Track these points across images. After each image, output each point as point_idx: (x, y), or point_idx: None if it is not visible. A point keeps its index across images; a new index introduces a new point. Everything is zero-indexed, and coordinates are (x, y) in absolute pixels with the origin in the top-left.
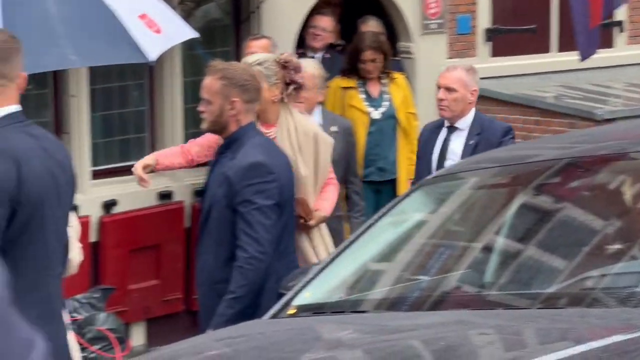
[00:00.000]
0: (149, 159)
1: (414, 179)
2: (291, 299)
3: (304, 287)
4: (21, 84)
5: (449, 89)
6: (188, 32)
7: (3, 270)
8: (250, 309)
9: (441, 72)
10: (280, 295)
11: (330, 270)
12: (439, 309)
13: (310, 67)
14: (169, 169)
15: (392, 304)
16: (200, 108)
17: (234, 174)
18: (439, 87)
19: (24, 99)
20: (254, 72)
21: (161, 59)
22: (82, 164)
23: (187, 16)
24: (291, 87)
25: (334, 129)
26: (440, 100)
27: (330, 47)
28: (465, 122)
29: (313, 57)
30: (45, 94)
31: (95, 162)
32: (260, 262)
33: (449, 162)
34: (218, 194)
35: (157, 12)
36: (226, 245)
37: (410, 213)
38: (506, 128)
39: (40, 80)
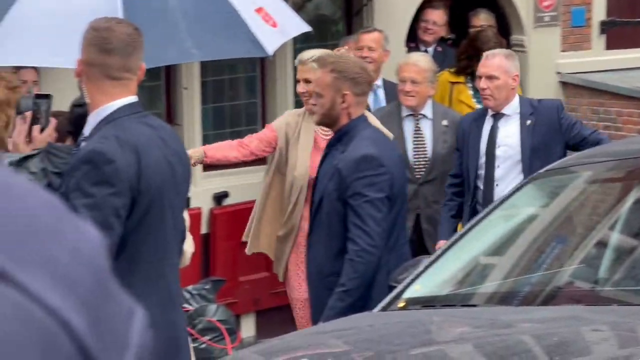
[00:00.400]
0: (194, 151)
1: (453, 172)
2: (401, 291)
3: (414, 280)
4: (140, 76)
5: (490, 77)
6: (302, 26)
7: (105, 239)
8: (361, 301)
9: (481, 61)
10: (391, 288)
11: (441, 263)
12: (551, 304)
13: (421, 61)
14: (222, 161)
15: (503, 298)
16: (311, 101)
17: (345, 166)
18: (480, 77)
19: (138, 90)
20: (365, 65)
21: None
22: None
23: (298, 9)
24: None
25: (444, 122)
26: (483, 89)
27: (441, 40)
28: (511, 108)
29: (426, 51)
30: (158, 86)
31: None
32: (370, 255)
33: (501, 150)
34: (329, 187)
35: (273, 6)
36: (337, 238)
37: (521, 207)
38: (558, 104)
39: (153, 73)
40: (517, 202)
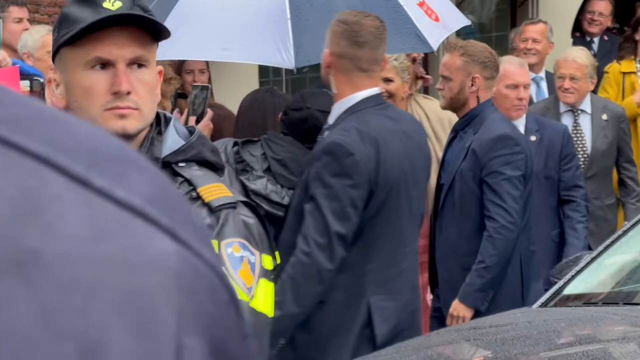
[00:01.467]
0: None
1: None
2: (561, 288)
3: (574, 276)
4: (384, 67)
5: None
6: (462, 20)
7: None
8: (499, 279)
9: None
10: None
11: (602, 260)
12: None
13: (580, 57)
14: None
15: None
16: (439, 86)
17: (480, 146)
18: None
19: (300, 81)
20: (493, 51)
21: None
22: None
23: (462, 1)
24: (420, 82)
25: (604, 117)
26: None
27: (607, 30)
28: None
29: (592, 41)
30: (320, 76)
31: None
32: (510, 231)
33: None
34: (463, 168)
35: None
36: (470, 218)
37: None
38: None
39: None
40: None
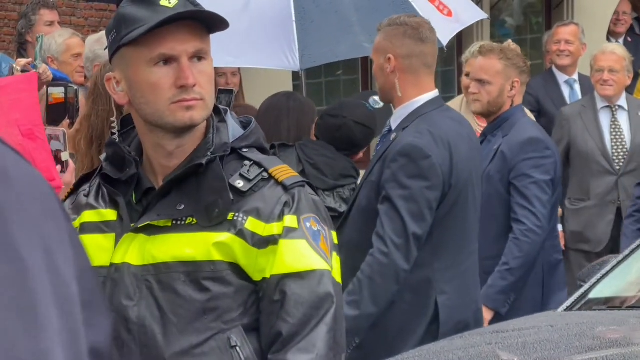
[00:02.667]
0: None
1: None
2: (587, 291)
3: (600, 279)
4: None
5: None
6: (478, 14)
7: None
8: (522, 282)
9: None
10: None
11: (629, 264)
12: None
13: (619, 50)
14: None
15: None
16: (473, 89)
17: (510, 148)
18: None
19: (335, 84)
20: (524, 57)
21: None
22: None
23: (497, 1)
24: None
25: None
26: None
27: (630, 31)
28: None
29: (618, 42)
30: (355, 79)
31: None
32: (537, 235)
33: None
34: (491, 170)
35: None
36: (495, 221)
37: None
38: None
39: (349, 66)
40: None
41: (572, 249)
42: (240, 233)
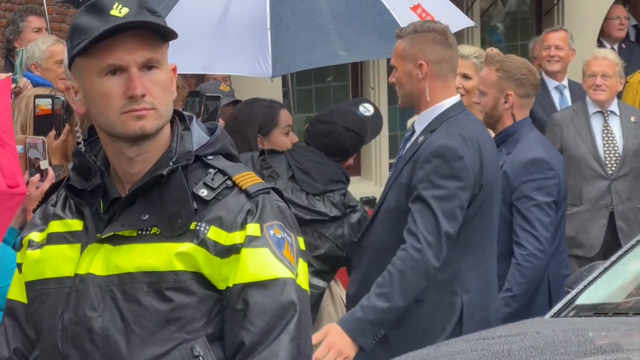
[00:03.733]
0: None
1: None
2: (574, 298)
3: (587, 286)
4: None
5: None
6: (464, 21)
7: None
8: (526, 307)
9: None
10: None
11: (617, 269)
12: None
13: (611, 55)
14: None
15: None
16: (476, 100)
17: (512, 169)
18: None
19: (325, 91)
20: (533, 68)
21: None
22: (380, 155)
23: (487, 8)
24: None
25: (632, 119)
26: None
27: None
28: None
29: (612, 49)
30: (345, 85)
31: (392, 155)
32: (539, 259)
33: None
34: None
35: (432, 1)
36: (500, 240)
37: None
38: None
39: (339, 73)
40: None
41: None
42: (203, 243)
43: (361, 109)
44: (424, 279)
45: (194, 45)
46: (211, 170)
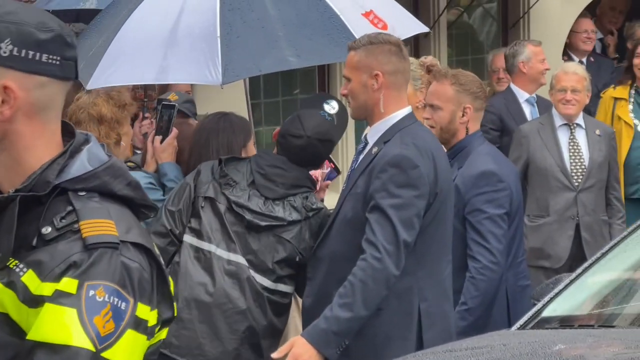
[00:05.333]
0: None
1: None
2: (540, 310)
3: (553, 298)
4: None
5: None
6: (417, 27)
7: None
8: (482, 320)
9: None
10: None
11: (582, 281)
12: None
13: (580, 70)
14: None
15: None
16: (425, 115)
17: (463, 183)
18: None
19: (292, 103)
20: (481, 82)
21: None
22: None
23: (454, 20)
24: None
25: (597, 132)
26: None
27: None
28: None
29: (581, 62)
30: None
31: None
32: (493, 272)
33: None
34: None
35: (384, 7)
36: (453, 256)
37: None
38: None
39: (306, 83)
40: None
41: (532, 266)
42: (12, 285)
43: (326, 107)
44: (385, 287)
45: (146, 55)
46: (70, 208)
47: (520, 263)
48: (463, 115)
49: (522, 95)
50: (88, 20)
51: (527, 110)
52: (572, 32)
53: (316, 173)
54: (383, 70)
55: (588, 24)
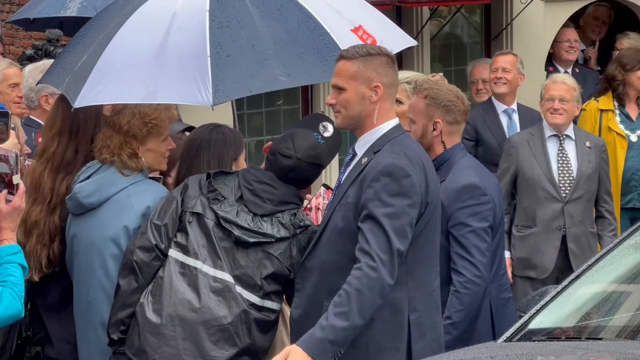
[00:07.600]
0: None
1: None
2: (526, 322)
3: (540, 310)
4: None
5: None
6: (406, 41)
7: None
8: (467, 334)
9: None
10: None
11: (569, 294)
12: None
13: (569, 80)
14: None
15: (635, 332)
16: (406, 128)
17: (446, 196)
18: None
19: (275, 114)
20: (461, 95)
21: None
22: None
23: (437, 32)
24: None
25: (587, 144)
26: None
27: (577, 63)
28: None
29: (566, 73)
30: (295, 109)
31: None
32: (477, 285)
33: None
34: None
35: (373, 22)
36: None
37: None
38: None
39: (290, 96)
40: None
41: (519, 276)
42: None
43: (321, 129)
44: (380, 296)
45: (134, 74)
46: None
47: (503, 275)
48: (434, 129)
49: (500, 106)
50: (70, 28)
51: (504, 122)
52: (556, 42)
53: (317, 201)
54: (382, 82)
55: (571, 34)
